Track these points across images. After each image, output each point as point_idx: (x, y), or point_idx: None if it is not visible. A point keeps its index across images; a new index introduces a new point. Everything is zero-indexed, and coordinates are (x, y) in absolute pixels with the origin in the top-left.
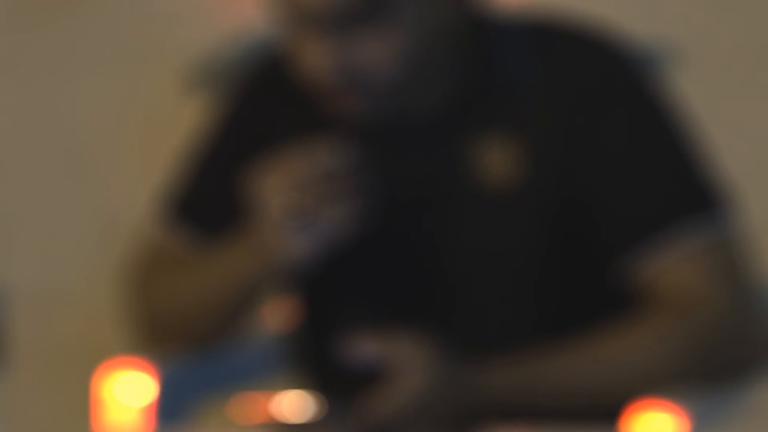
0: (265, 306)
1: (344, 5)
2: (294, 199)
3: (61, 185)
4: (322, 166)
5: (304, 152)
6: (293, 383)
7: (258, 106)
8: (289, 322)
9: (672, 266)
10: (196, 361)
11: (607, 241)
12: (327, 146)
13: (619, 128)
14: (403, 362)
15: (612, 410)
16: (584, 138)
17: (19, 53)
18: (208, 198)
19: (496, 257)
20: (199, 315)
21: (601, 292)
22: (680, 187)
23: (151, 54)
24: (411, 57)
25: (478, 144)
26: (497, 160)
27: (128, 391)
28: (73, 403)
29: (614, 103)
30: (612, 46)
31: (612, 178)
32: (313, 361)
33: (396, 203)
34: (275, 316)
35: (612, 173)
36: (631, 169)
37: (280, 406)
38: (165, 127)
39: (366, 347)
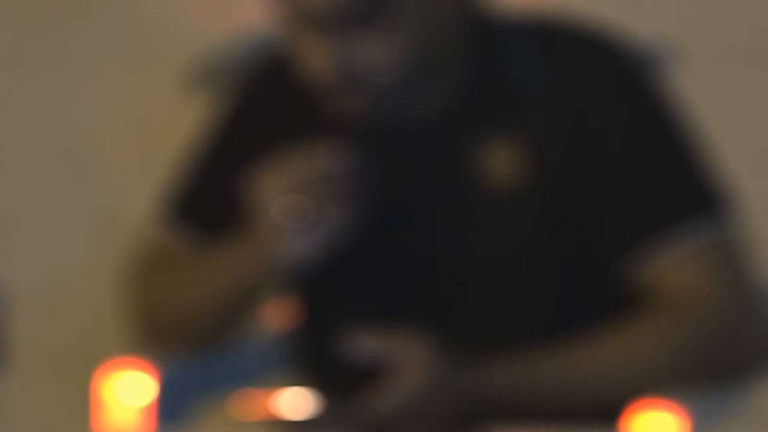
0: (265, 306)
1: (346, 5)
2: (293, 201)
3: (62, 185)
4: (322, 169)
5: (304, 154)
6: (293, 382)
7: (259, 106)
8: (289, 322)
9: (673, 266)
10: (196, 361)
11: (609, 241)
12: (327, 148)
13: (621, 128)
14: (403, 360)
15: (612, 410)
16: (587, 138)
17: (19, 52)
18: (208, 198)
19: (499, 258)
20: (199, 315)
21: (602, 292)
22: (681, 187)
23: (151, 54)
24: (412, 58)
25: (481, 146)
26: (500, 162)
27: (128, 391)
28: (73, 403)
29: (617, 104)
30: (615, 47)
31: (614, 179)
32: (313, 358)
33: (398, 205)
34: (275, 316)
35: (614, 173)
36: (633, 169)
37: (280, 403)
38: (165, 128)
39: (366, 344)
